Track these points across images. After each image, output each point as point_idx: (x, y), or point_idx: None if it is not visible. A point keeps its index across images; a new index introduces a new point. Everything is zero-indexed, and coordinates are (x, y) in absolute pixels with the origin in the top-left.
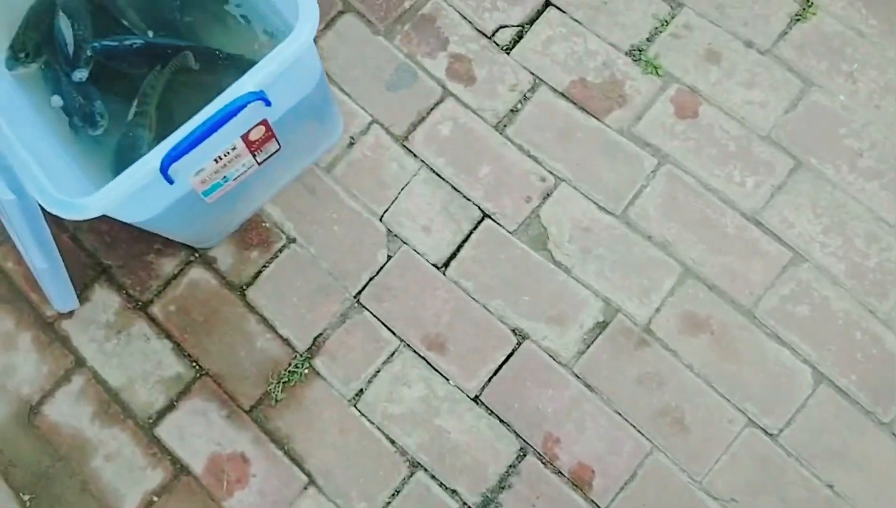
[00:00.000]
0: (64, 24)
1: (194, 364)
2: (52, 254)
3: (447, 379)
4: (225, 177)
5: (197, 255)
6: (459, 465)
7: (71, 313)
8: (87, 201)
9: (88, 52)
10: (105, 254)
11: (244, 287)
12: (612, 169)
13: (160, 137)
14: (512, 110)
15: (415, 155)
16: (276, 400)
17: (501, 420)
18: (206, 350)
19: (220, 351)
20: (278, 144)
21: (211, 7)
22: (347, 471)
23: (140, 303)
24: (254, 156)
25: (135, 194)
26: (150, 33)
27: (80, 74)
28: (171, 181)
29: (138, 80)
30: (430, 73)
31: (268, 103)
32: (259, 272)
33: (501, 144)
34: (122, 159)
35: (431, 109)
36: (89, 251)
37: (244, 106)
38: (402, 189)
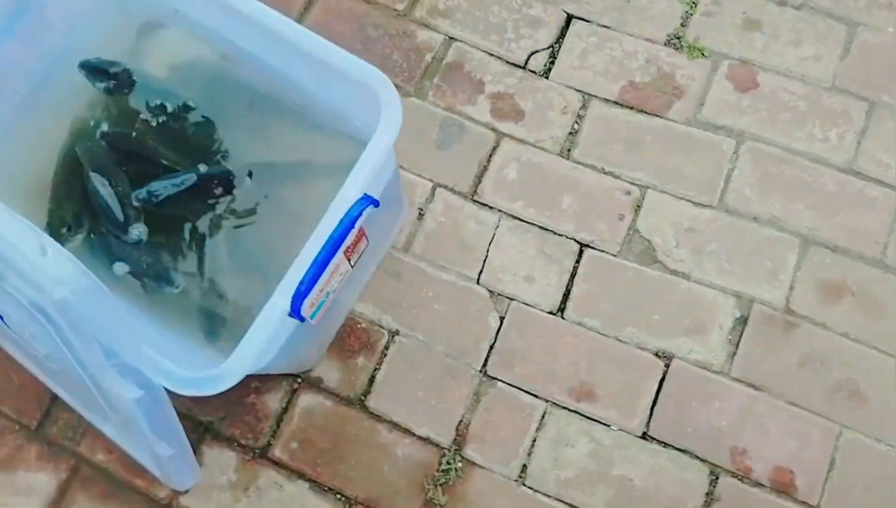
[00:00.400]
0: (100, 184)
1: (339, 497)
2: (179, 438)
3: (608, 426)
4: (327, 293)
5: (300, 381)
6: None
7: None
8: (224, 371)
9: (136, 204)
10: (201, 411)
11: (362, 398)
12: (692, 162)
13: (244, 272)
14: (571, 133)
15: (489, 207)
16: (441, 506)
17: (680, 450)
18: (346, 478)
19: (361, 474)
20: (367, 240)
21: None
22: None
23: (258, 451)
24: (349, 261)
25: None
26: (202, 167)
27: (137, 232)
28: (302, 319)
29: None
30: (476, 119)
31: (377, 205)
32: (372, 377)
33: (573, 170)
34: (210, 311)
35: (490, 156)
36: (184, 413)
37: (360, 215)
38: (490, 245)
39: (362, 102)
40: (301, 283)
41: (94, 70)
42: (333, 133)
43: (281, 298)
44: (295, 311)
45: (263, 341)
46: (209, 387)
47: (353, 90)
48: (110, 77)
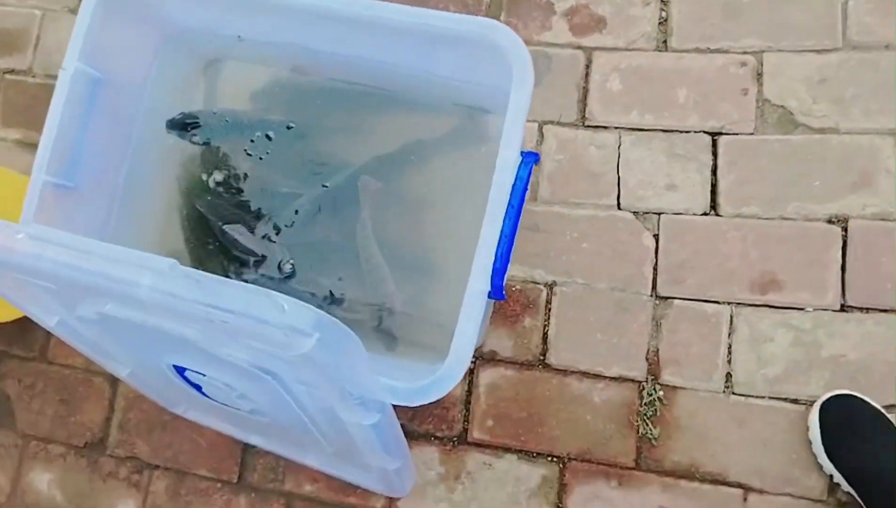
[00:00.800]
0: (237, 234)
1: (552, 459)
2: (404, 450)
3: (802, 309)
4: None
5: (474, 360)
6: (878, 377)
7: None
8: (447, 371)
9: (275, 239)
10: None
11: (541, 358)
12: (800, 8)
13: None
14: (661, 23)
15: (604, 127)
16: (655, 439)
17: (883, 310)
18: (552, 439)
19: (566, 431)
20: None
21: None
22: (772, 457)
23: (456, 438)
24: None
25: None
26: (327, 184)
27: (289, 266)
28: (503, 297)
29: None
30: (558, 43)
31: (538, 159)
32: (545, 335)
33: (677, 60)
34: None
35: (586, 76)
36: None
37: (530, 175)
38: (618, 166)
39: (472, 62)
40: (496, 260)
41: (182, 126)
42: (435, 106)
43: (478, 281)
44: (496, 290)
45: (474, 331)
46: (437, 391)
47: (461, 53)
48: (199, 127)
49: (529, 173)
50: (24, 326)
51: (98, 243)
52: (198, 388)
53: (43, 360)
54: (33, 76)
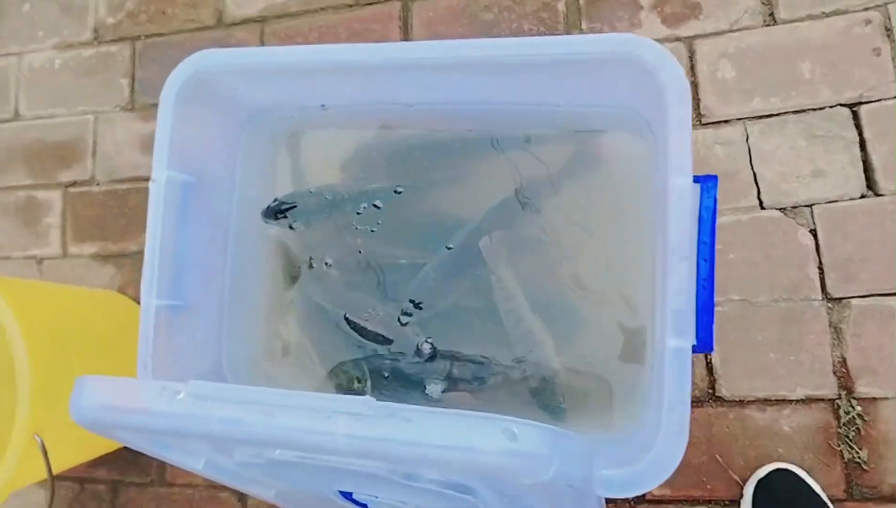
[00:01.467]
0: (359, 320)
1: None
2: None
3: None
4: None
5: None
6: None
7: None
8: (665, 450)
9: (405, 322)
10: None
11: (710, 391)
12: None
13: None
14: None
15: (726, 121)
16: (864, 462)
17: None
18: (742, 480)
19: (757, 466)
20: None
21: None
22: None
23: (633, 499)
24: None
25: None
26: (450, 246)
27: (428, 347)
28: (711, 349)
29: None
30: (654, 38)
31: (717, 180)
32: (709, 366)
33: (790, 32)
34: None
35: (692, 68)
36: None
37: (716, 202)
38: (751, 161)
39: (599, 83)
40: (701, 309)
41: (278, 212)
42: (543, 136)
43: (677, 336)
44: (705, 343)
45: (686, 396)
46: (655, 478)
47: (588, 76)
48: (296, 209)
49: (716, 202)
50: (136, 451)
51: (271, 392)
52: (363, 506)
53: (161, 483)
54: (97, 184)
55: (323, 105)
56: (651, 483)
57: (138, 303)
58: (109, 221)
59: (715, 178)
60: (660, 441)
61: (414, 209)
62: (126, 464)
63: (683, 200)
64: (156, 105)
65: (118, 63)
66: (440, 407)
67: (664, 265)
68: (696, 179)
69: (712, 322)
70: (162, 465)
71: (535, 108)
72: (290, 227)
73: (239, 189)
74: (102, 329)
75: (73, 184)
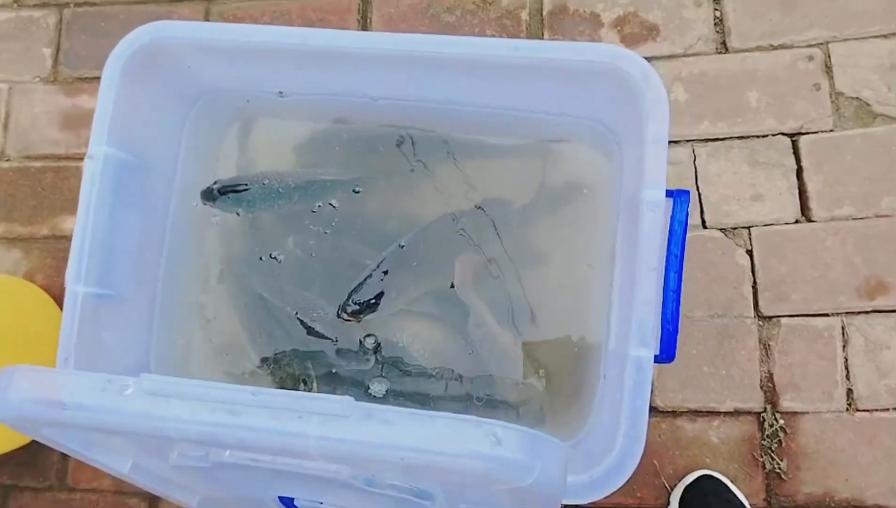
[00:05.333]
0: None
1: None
2: None
3: None
4: None
5: None
6: None
7: None
8: (625, 454)
9: (348, 317)
10: None
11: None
12: None
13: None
14: (717, 23)
15: (675, 142)
16: (784, 472)
17: None
18: (670, 489)
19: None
20: None
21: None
22: None
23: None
24: None
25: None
26: (402, 244)
27: (380, 388)
28: (672, 359)
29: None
30: None
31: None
32: None
33: (741, 61)
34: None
35: None
36: None
37: (688, 217)
38: (697, 181)
39: (571, 92)
40: (667, 320)
41: (218, 194)
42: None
43: (641, 346)
44: (668, 354)
45: (645, 404)
46: (614, 482)
47: (563, 84)
48: (241, 195)
49: (687, 215)
50: (34, 451)
51: (235, 389)
52: None
53: (63, 488)
54: (7, 160)
55: (281, 92)
56: (608, 488)
57: (48, 293)
58: (19, 200)
59: (687, 193)
60: (618, 448)
61: (371, 210)
62: (21, 466)
63: (656, 213)
64: (82, 79)
65: (41, 30)
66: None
67: (631, 276)
68: (669, 194)
69: (676, 335)
70: (63, 468)
71: (501, 112)
72: (237, 213)
73: (181, 174)
74: (6, 318)
75: None
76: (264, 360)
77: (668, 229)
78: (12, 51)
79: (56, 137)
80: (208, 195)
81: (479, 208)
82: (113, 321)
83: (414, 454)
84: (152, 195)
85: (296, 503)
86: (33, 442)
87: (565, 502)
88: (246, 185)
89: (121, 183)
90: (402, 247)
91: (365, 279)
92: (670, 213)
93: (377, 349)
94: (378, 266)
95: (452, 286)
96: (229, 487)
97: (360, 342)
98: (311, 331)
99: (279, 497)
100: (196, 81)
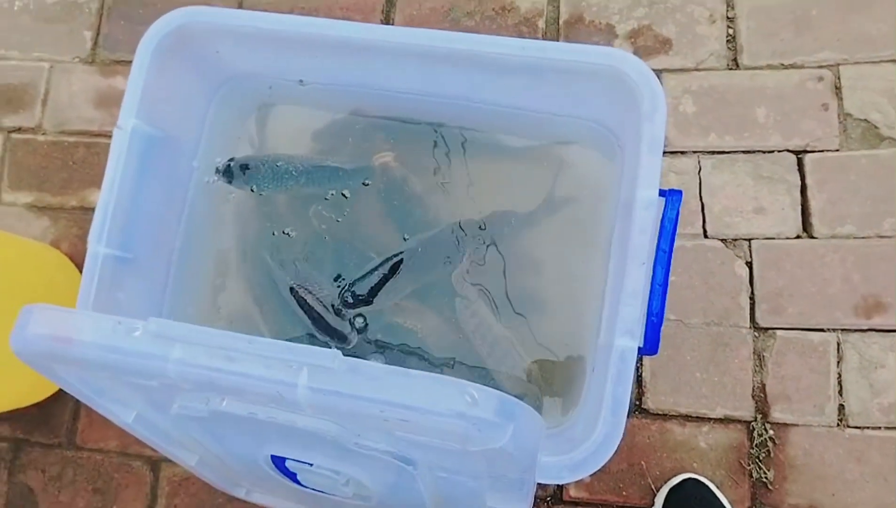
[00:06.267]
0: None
1: None
2: None
3: None
4: None
5: None
6: None
7: None
8: (602, 443)
9: (350, 315)
10: None
11: (638, 402)
12: (872, 18)
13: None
14: (729, 40)
15: (682, 153)
16: (770, 482)
17: None
18: (656, 491)
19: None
20: None
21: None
22: (895, 491)
23: (550, 498)
24: None
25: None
26: (405, 236)
27: (352, 337)
28: (655, 351)
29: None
30: None
31: (681, 195)
32: (639, 378)
33: (751, 78)
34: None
35: None
36: None
37: (678, 215)
38: (700, 193)
39: (578, 94)
40: (652, 313)
41: (232, 171)
42: (511, 142)
43: (626, 336)
44: (651, 346)
45: (626, 393)
46: (592, 464)
47: (569, 85)
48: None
49: (678, 214)
50: (47, 409)
51: (233, 336)
52: (291, 476)
53: (71, 446)
54: (44, 134)
55: (301, 81)
56: (585, 470)
57: (72, 260)
58: (51, 172)
59: (679, 192)
60: (597, 433)
61: (379, 204)
62: (33, 423)
63: (648, 211)
64: (118, 62)
65: (84, 14)
66: None
67: (621, 271)
68: (661, 193)
69: (661, 327)
70: (73, 426)
71: (512, 111)
72: (251, 189)
73: (203, 152)
74: (30, 280)
75: (18, 130)
76: (268, 316)
77: (660, 226)
78: (56, 32)
79: (90, 114)
80: (223, 171)
81: (484, 225)
82: (129, 284)
83: (393, 408)
84: (175, 169)
85: (287, 464)
86: (47, 400)
87: (546, 481)
88: (257, 163)
89: (146, 155)
90: (403, 253)
91: (365, 275)
92: (662, 211)
93: (364, 328)
94: (379, 267)
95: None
96: (225, 444)
97: (351, 320)
98: (304, 307)
99: (272, 457)
100: (223, 66)
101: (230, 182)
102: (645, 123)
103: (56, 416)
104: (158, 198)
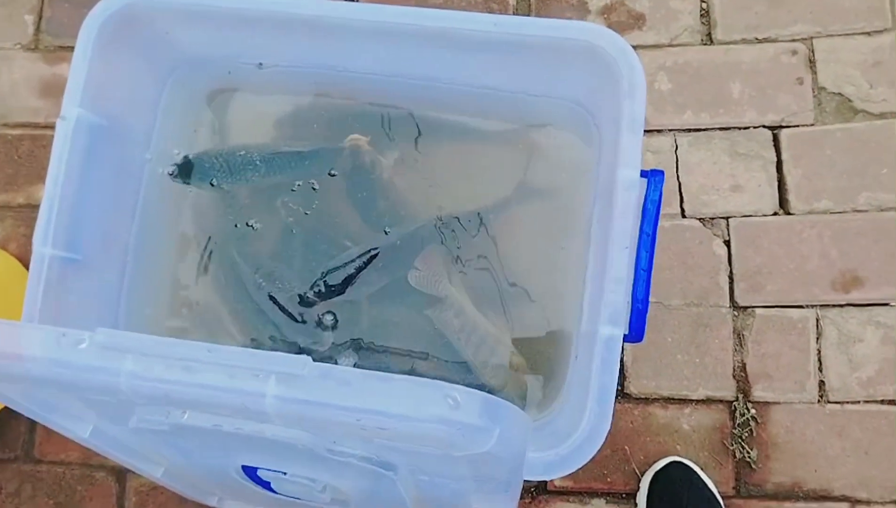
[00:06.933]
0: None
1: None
2: None
3: (887, 304)
4: None
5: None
6: None
7: None
8: (593, 432)
9: (320, 312)
10: None
11: (619, 387)
12: None
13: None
14: (703, 15)
15: (657, 131)
16: (754, 462)
17: None
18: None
19: (650, 463)
20: None
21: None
22: (876, 465)
23: (535, 489)
24: None
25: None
26: (386, 230)
27: (348, 363)
28: (641, 338)
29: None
30: None
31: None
32: (620, 361)
33: (725, 53)
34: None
35: None
36: None
37: (661, 197)
38: (677, 171)
39: (550, 71)
40: (637, 299)
41: (187, 171)
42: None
43: (609, 324)
44: (637, 333)
45: (613, 383)
46: (578, 460)
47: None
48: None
49: (661, 196)
50: (1, 423)
51: (191, 345)
52: (265, 485)
53: (28, 460)
54: None
55: (261, 63)
56: (572, 465)
57: (21, 261)
58: None
59: (662, 173)
60: (584, 425)
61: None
62: None
63: (630, 192)
64: (63, 48)
65: None
66: None
67: (603, 256)
68: (643, 174)
69: (646, 313)
70: (30, 439)
71: (484, 91)
72: (211, 184)
73: (157, 143)
74: None
75: None
76: (253, 340)
77: (642, 208)
78: None
79: (35, 104)
80: (178, 171)
81: (457, 218)
82: (81, 288)
83: (370, 416)
84: (126, 162)
85: (259, 473)
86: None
87: (532, 478)
88: (213, 156)
89: (93, 146)
90: (379, 247)
91: (340, 266)
92: (644, 193)
93: (335, 326)
94: (356, 258)
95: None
96: (191, 455)
97: (319, 318)
98: (272, 300)
99: (242, 468)
100: (174, 48)
101: (187, 181)
102: (625, 101)
103: (11, 429)
104: (109, 193)
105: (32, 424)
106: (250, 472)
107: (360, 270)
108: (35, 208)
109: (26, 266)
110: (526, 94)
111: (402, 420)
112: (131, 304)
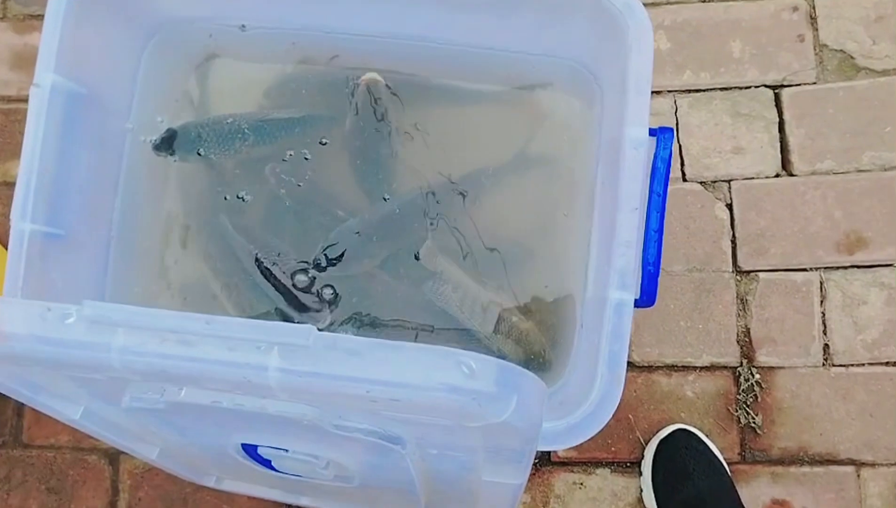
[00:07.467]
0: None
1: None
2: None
3: (892, 265)
4: None
5: None
6: None
7: None
8: (604, 398)
9: (319, 286)
10: None
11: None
12: None
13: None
14: None
15: (657, 91)
16: (759, 427)
17: None
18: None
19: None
20: None
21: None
22: (881, 427)
23: (538, 461)
24: None
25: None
26: (385, 197)
27: (328, 294)
28: (652, 302)
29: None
30: None
31: (673, 133)
32: None
33: (725, 9)
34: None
35: None
36: None
37: (671, 155)
38: (678, 133)
39: (549, 28)
40: (648, 261)
41: (170, 144)
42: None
43: (620, 289)
44: (649, 296)
45: (624, 349)
46: (590, 428)
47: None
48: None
49: (671, 154)
50: None
51: (187, 317)
52: (265, 463)
53: (17, 445)
54: None
55: (243, 25)
56: (583, 435)
57: None
58: None
59: (671, 130)
60: (596, 393)
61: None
62: None
63: (638, 151)
64: (33, 16)
65: None
66: None
67: (609, 219)
68: (651, 132)
69: (658, 276)
70: (18, 423)
71: (480, 51)
72: (199, 154)
73: (137, 112)
74: None
75: None
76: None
77: (651, 167)
78: None
79: (6, 77)
80: (161, 144)
81: (454, 184)
82: (64, 264)
83: (380, 387)
84: (105, 132)
85: (259, 451)
86: None
87: (542, 448)
88: (199, 126)
89: (70, 115)
90: (386, 200)
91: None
92: (653, 152)
93: (334, 300)
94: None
95: (417, 258)
96: (187, 434)
97: (318, 293)
98: (266, 274)
99: (242, 446)
100: (153, 8)
101: (171, 153)
102: (632, 56)
103: None
104: (89, 164)
105: (19, 408)
106: (250, 450)
107: (363, 242)
108: (11, 186)
109: (4, 245)
110: (526, 53)
111: (415, 390)
112: (118, 282)
